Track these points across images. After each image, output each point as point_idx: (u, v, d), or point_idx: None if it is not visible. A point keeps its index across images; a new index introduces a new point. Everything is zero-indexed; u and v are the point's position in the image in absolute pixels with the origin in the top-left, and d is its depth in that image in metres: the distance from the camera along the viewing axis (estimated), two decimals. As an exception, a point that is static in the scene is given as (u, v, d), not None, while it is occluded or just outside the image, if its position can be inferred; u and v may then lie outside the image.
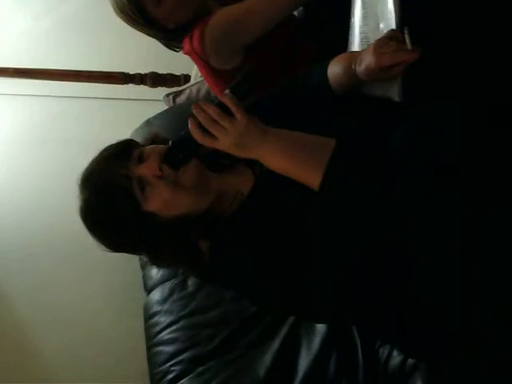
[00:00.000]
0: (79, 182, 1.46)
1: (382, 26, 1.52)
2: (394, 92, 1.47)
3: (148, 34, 2.07)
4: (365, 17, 1.59)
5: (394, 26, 1.47)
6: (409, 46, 1.40)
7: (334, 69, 1.51)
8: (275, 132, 1.35)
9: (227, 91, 1.35)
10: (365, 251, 1.32)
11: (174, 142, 1.39)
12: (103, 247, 1.48)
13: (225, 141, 1.32)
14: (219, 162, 1.54)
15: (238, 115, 1.31)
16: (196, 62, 2.06)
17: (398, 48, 1.41)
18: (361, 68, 1.45)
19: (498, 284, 1.32)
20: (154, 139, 1.54)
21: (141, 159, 1.43)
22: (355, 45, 1.62)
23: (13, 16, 3.56)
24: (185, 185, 1.40)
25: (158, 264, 1.55)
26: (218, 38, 1.90)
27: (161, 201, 1.40)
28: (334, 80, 1.50)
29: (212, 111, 1.32)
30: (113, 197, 1.40)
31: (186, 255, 1.44)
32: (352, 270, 1.33)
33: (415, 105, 1.41)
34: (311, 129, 1.38)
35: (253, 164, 1.50)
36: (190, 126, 1.34)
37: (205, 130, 1.33)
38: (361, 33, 1.61)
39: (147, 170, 1.40)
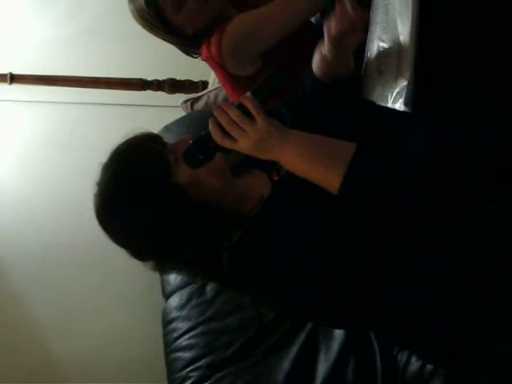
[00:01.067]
0: (108, 157, 1.43)
1: (401, 38, 1.52)
2: (401, 100, 1.47)
3: (166, 40, 2.08)
4: (384, 27, 1.58)
5: (408, 36, 1.48)
6: (349, 8, 1.39)
7: (314, 60, 1.52)
8: (295, 134, 1.35)
9: (248, 94, 1.35)
10: (384, 258, 1.32)
11: (194, 142, 1.39)
12: (109, 238, 1.42)
13: (244, 143, 1.32)
14: (238, 169, 1.53)
15: (259, 119, 1.31)
16: (213, 69, 2.07)
17: (341, 15, 1.40)
18: (325, 48, 1.45)
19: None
20: None
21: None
22: (373, 52, 1.62)
23: (33, 24, 3.59)
24: (213, 167, 1.40)
25: (165, 266, 1.50)
26: (236, 45, 1.91)
27: (191, 173, 1.38)
28: (316, 71, 1.52)
29: (233, 113, 1.32)
30: (147, 157, 1.38)
31: (206, 251, 1.42)
32: (370, 276, 1.33)
33: (424, 112, 1.41)
34: (327, 134, 1.38)
35: (270, 169, 1.50)
36: (210, 126, 1.34)
37: (225, 132, 1.33)
38: (378, 39, 1.60)
39: (179, 143, 1.41)
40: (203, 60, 2.07)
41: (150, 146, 1.41)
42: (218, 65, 1.98)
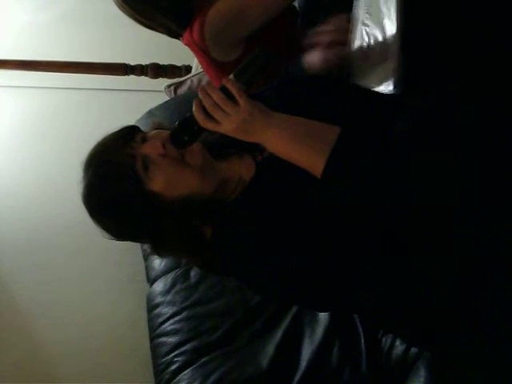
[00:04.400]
0: (82, 165, 1.45)
1: (385, 20, 1.52)
2: (390, 83, 1.48)
3: (151, 24, 2.07)
4: (367, 7, 1.58)
5: (394, 19, 1.48)
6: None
7: (310, 58, 1.55)
8: (279, 117, 1.35)
9: (231, 76, 1.35)
10: (367, 239, 1.32)
11: (179, 123, 1.38)
12: (106, 234, 1.46)
13: (227, 126, 1.32)
14: (222, 150, 1.53)
15: (241, 101, 1.31)
16: (196, 54, 2.06)
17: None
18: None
19: (497, 272, 1.33)
20: (157, 128, 1.54)
21: (144, 141, 1.43)
22: (356, 36, 1.62)
23: (14, 9, 3.57)
24: (189, 164, 1.40)
25: (161, 253, 1.54)
26: (218, 30, 1.90)
27: (164, 178, 1.39)
28: (312, 67, 1.53)
29: (216, 96, 1.31)
30: (116, 175, 1.39)
31: (190, 241, 1.44)
32: (353, 258, 1.33)
33: (412, 94, 1.41)
34: (312, 117, 1.38)
35: (254, 151, 1.50)
36: (194, 108, 1.34)
37: (209, 114, 1.33)
38: (362, 24, 1.60)
39: (151, 148, 1.40)
40: (185, 45, 2.06)
41: (117, 161, 1.41)
42: (201, 50, 1.97)
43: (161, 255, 1.60)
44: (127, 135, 1.45)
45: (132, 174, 1.39)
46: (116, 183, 1.39)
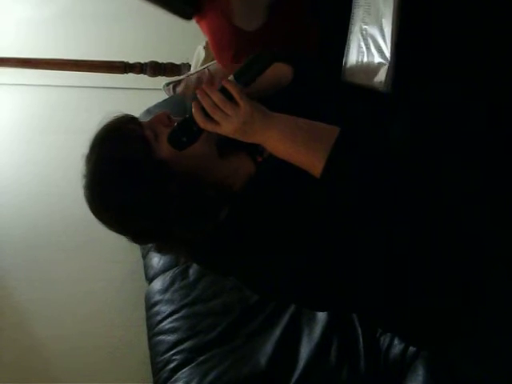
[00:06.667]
0: (88, 147, 1.42)
1: (384, 21, 1.52)
2: (380, 81, 1.48)
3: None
4: (367, 9, 1.58)
5: (390, 19, 1.48)
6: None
7: None
8: (279, 117, 1.35)
9: (231, 77, 1.35)
10: (367, 238, 1.32)
11: (178, 124, 1.38)
12: (108, 222, 1.42)
13: (227, 127, 1.32)
14: (221, 149, 1.52)
15: (241, 103, 1.31)
16: (212, 22, 2.00)
17: None
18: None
19: (495, 273, 1.33)
20: None
21: None
22: (355, 33, 1.62)
23: (12, 6, 3.56)
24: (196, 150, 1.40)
25: (163, 248, 1.51)
26: None
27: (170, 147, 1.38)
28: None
29: (215, 97, 1.31)
30: (126, 138, 1.38)
31: (191, 217, 1.39)
32: (354, 257, 1.33)
33: (406, 93, 1.42)
34: (311, 117, 1.38)
35: (253, 151, 1.50)
36: (193, 110, 1.34)
37: (208, 115, 1.32)
38: (362, 22, 1.60)
39: (156, 118, 1.43)
40: (197, 19, 2.03)
41: (126, 127, 1.41)
42: (224, 13, 1.94)
43: (163, 251, 1.57)
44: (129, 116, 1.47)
45: (141, 140, 1.38)
46: (127, 145, 1.38)
